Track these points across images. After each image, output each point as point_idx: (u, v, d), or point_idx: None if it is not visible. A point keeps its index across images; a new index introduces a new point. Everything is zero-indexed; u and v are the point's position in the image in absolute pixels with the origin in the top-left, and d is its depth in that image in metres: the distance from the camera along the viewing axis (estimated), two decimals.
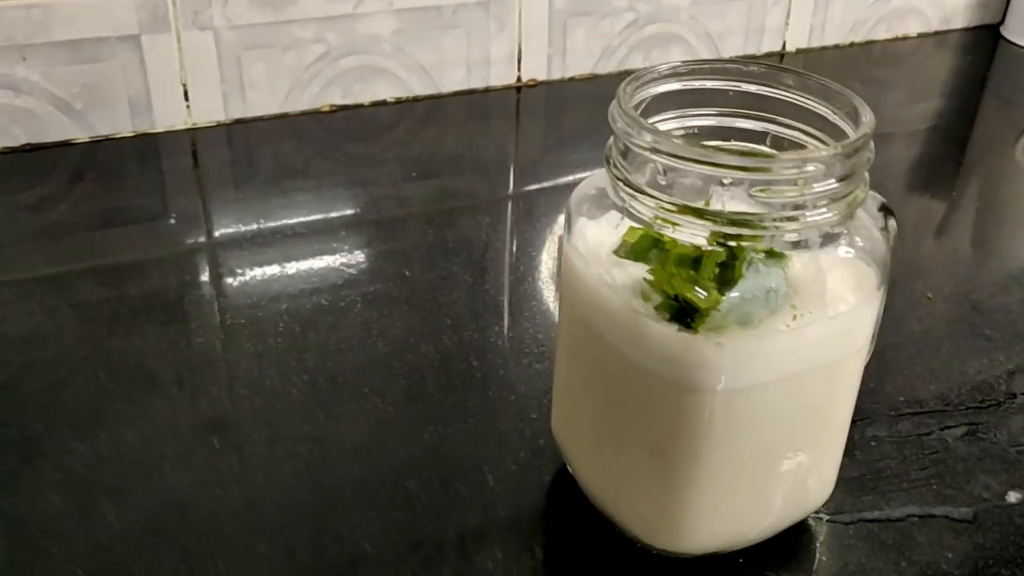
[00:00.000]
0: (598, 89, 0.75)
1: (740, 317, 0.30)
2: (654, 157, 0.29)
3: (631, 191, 0.30)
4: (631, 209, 0.31)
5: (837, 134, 0.33)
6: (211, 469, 0.39)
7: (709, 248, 0.30)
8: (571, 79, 0.76)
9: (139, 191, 0.61)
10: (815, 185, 0.28)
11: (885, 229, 0.34)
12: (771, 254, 0.30)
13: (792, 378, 0.31)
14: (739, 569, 0.35)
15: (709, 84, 0.35)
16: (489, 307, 0.49)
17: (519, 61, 0.74)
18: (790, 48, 0.83)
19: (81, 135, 0.63)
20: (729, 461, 0.32)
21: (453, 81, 0.72)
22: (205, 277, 0.54)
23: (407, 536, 0.36)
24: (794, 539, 0.37)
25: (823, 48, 0.85)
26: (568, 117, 0.74)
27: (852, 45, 0.86)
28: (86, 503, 0.38)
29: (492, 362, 0.45)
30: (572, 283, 0.34)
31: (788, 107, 0.34)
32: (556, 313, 0.48)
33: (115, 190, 0.61)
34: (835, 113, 0.33)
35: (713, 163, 0.28)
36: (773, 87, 0.34)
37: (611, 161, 0.32)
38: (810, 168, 0.28)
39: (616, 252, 0.33)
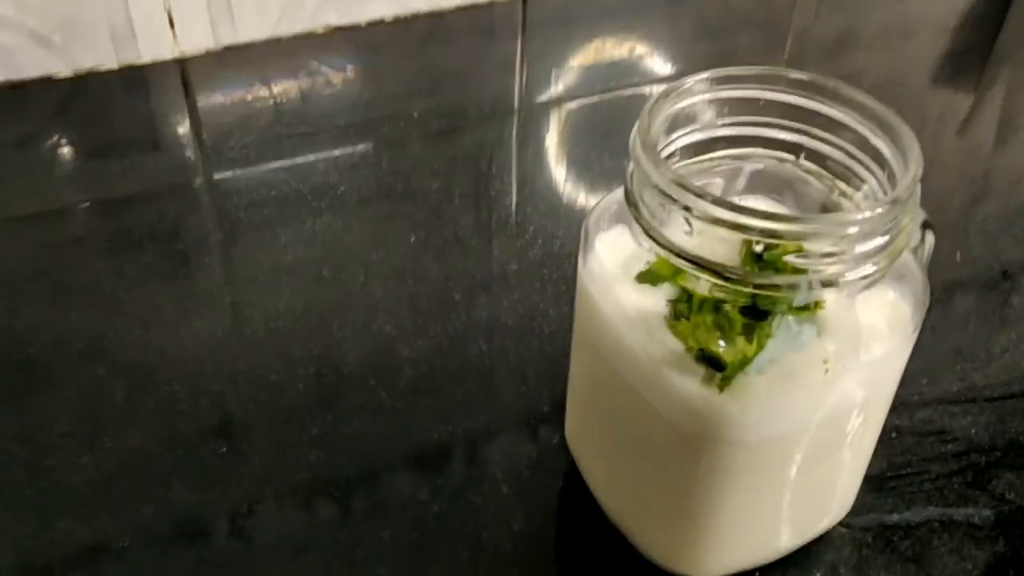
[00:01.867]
0: None
1: (768, 375, 0.28)
2: (683, 214, 0.27)
3: (654, 242, 0.28)
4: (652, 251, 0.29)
5: (876, 155, 0.30)
6: (216, 394, 0.41)
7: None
8: None
9: (128, 125, 0.58)
10: (857, 247, 0.26)
11: (921, 244, 0.32)
12: (805, 308, 0.28)
13: (822, 423, 0.30)
14: None
15: (738, 93, 0.32)
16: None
17: None
18: None
19: (63, 69, 0.60)
20: (752, 501, 0.31)
21: None
22: (202, 209, 0.52)
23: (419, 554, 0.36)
24: (811, 549, 0.36)
25: None
26: (577, 29, 0.70)
27: None
28: (94, 428, 0.39)
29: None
30: (588, 314, 0.32)
31: (824, 120, 0.31)
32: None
33: (103, 125, 0.58)
34: (875, 134, 0.30)
35: (746, 227, 0.26)
36: (806, 96, 0.31)
37: (631, 194, 0.29)
38: (852, 231, 0.26)
39: (638, 278, 0.31)
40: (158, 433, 0.39)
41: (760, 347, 0.28)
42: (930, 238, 0.32)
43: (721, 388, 0.28)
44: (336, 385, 0.42)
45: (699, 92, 0.31)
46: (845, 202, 0.32)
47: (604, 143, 0.58)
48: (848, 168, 0.32)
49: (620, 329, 0.30)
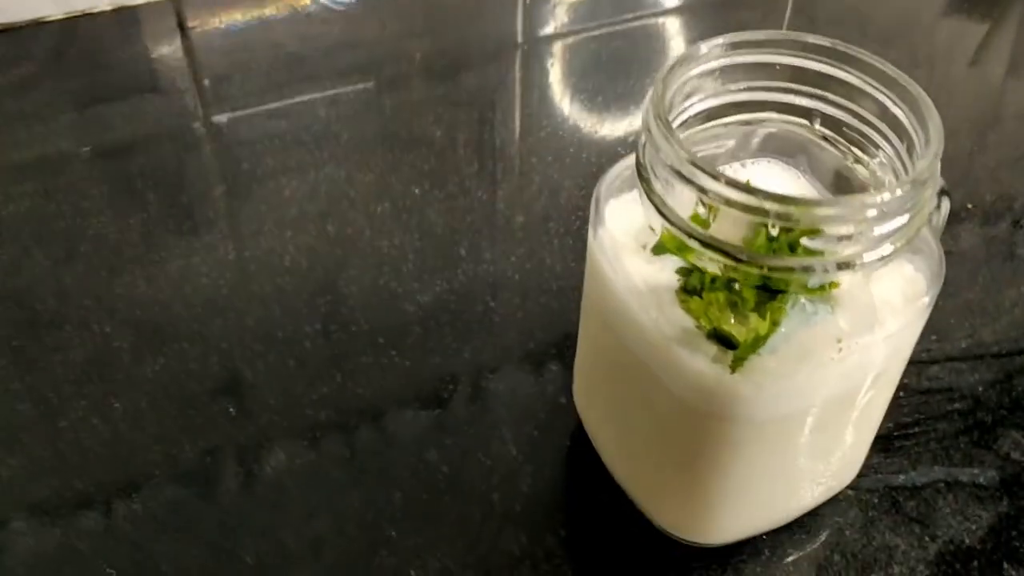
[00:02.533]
0: None
1: (780, 354, 0.28)
2: (696, 194, 0.26)
3: (665, 219, 0.28)
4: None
5: (895, 124, 0.29)
6: (221, 337, 0.41)
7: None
8: None
9: (125, 67, 0.57)
10: (875, 228, 0.26)
11: (937, 211, 0.31)
12: (820, 288, 0.27)
13: (834, 398, 0.30)
14: (760, 547, 0.35)
15: (754, 58, 0.31)
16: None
17: None
18: None
19: (54, 11, 0.58)
20: (761, 472, 0.31)
21: None
22: (203, 150, 0.52)
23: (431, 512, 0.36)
24: (818, 512, 0.36)
25: None
26: None
27: None
28: (101, 379, 0.40)
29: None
30: (598, 285, 0.32)
31: (841, 86, 0.31)
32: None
33: (99, 67, 0.57)
34: (894, 103, 0.29)
35: (761, 210, 0.25)
36: (824, 62, 0.30)
37: (643, 167, 0.29)
38: (871, 214, 0.25)
39: (654, 250, 0.30)
40: (166, 381, 0.40)
41: (773, 327, 0.27)
42: (946, 205, 0.31)
43: (733, 369, 0.28)
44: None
45: (714, 58, 0.30)
46: (860, 168, 0.32)
47: (612, 78, 0.56)
48: (864, 135, 0.31)
49: (630, 303, 0.30)
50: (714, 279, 0.28)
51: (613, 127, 0.54)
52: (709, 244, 0.27)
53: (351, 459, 0.38)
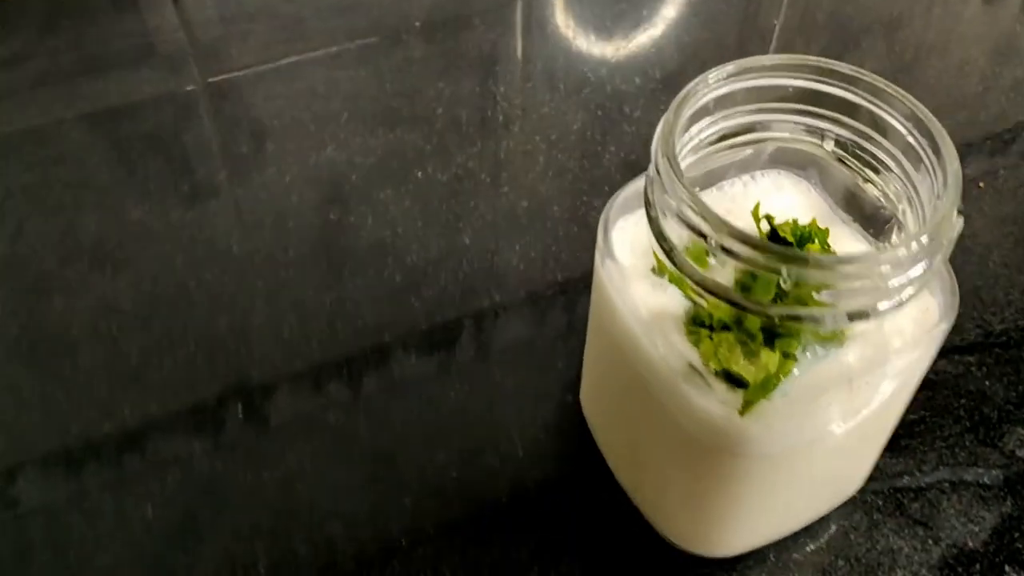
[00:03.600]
0: None
1: (791, 395, 0.27)
2: (708, 245, 0.26)
3: (672, 264, 0.27)
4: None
5: (905, 148, 0.29)
6: (215, 302, 0.42)
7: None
8: None
9: (119, 33, 0.56)
10: (892, 281, 0.25)
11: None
12: (831, 335, 0.27)
13: (846, 428, 0.30)
14: (765, 552, 0.36)
15: (764, 82, 0.30)
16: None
17: None
18: None
19: None
20: (771, 496, 0.32)
21: None
22: (200, 115, 0.51)
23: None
24: (824, 515, 0.37)
25: None
26: None
27: None
28: (105, 324, 0.42)
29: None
30: (605, 310, 0.31)
31: (852, 108, 0.30)
32: None
33: (93, 35, 0.56)
34: (908, 131, 0.28)
35: (770, 267, 0.25)
36: (836, 86, 0.30)
37: (650, 204, 0.28)
38: (887, 269, 0.25)
39: (655, 271, 0.30)
40: (168, 329, 0.42)
41: (784, 373, 0.27)
42: (959, 224, 0.31)
43: (743, 412, 0.27)
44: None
45: (723, 85, 0.29)
46: (871, 188, 0.31)
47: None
48: (877, 158, 0.30)
49: (638, 335, 0.30)
50: (723, 321, 0.28)
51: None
52: (714, 292, 0.26)
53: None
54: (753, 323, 0.28)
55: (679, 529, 0.34)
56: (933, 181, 0.27)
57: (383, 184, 0.47)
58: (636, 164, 0.48)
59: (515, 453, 0.38)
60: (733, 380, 0.28)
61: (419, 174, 0.48)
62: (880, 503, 0.37)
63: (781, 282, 0.25)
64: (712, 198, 0.33)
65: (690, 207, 0.26)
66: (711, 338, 0.28)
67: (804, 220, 0.32)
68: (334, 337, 0.41)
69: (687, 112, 0.28)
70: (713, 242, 0.25)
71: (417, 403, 0.39)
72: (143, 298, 0.43)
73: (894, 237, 0.31)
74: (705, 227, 0.25)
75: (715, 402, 0.28)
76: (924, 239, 0.25)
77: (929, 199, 0.28)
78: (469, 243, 0.45)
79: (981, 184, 0.48)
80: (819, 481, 0.33)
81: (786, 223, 0.32)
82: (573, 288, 0.43)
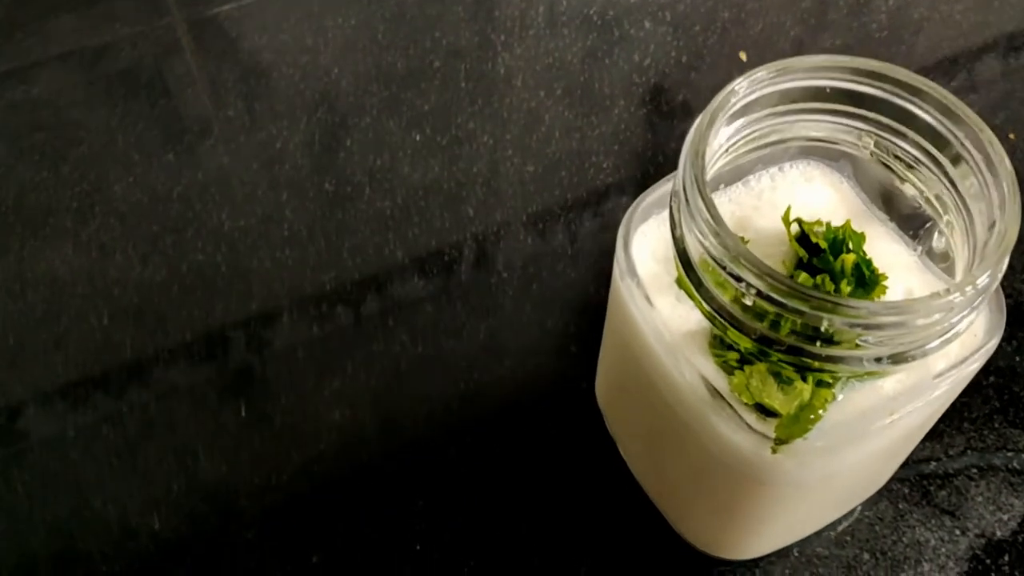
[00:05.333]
0: None
1: (828, 433, 0.26)
2: (742, 290, 0.24)
3: (698, 302, 0.25)
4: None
5: (949, 151, 0.26)
6: (211, 235, 0.42)
7: None
8: None
9: None
10: (937, 327, 0.23)
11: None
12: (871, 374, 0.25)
13: (882, 452, 0.28)
14: (789, 547, 0.35)
15: (801, 83, 0.27)
16: None
17: None
18: None
19: None
20: (799, 512, 0.31)
21: None
22: (180, 51, 0.49)
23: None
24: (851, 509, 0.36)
25: None
26: None
27: None
28: (101, 270, 0.41)
29: None
30: (625, 328, 0.29)
31: (894, 109, 0.27)
32: None
33: None
34: (953, 135, 0.26)
35: (814, 320, 0.23)
36: (879, 88, 0.27)
37: (675, 223, 0.26)
38: (936, 318, 0.23)
39: (679, 282, 0.28)
40: (162, 266, 0.41)
41: (820, 406, 0.25)
42: None
43: (775, 450, 0.26)
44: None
45: (753, 91, 0.27)
46: (908, 188, 0.29)
47: None
48: (920, 161, 0.28)
49: (660, 356, 0.28)
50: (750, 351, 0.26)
51: None
52: (745, 330, 0.24)
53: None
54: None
55: (704, 536, 0.33)
56: (987, 200, 0.25)
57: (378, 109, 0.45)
58: (636, 92, 0.45)
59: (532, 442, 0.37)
60: (765, 410, 0.26)
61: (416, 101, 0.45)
62: (906, 491, 0.36)
63: (823, 326, 0.23)
64: (738, 194, 0.31)
65: (726, 258, 0.23)
66: (742, 368, 0.26)
67: (837, 219, 0.30)
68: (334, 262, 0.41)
69: (715, 132, 0.25)
70: (749, 289, 0.23)
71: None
72: (137, 233, 0.42)
73: (935, 239, 0.29)
74: (740, 271, 0.23)
75: (746, 436, 0.26)
76: (983, 280, 0.23)
77: (979, 217, 0.25)
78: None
79: (1012, 135, 0.45)
80: (850, 490, 0.31)
81: (817, 221, 0.29)
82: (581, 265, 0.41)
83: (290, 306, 0.40)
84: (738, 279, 0.23)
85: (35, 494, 0.36)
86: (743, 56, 0.46)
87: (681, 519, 0.33)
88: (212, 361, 0.39)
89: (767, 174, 0.31)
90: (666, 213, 0.29)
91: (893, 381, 0.26)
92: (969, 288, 0.23)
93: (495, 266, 0.41)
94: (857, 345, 0.23)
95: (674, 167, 0.26)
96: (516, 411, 0.38)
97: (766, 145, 0.29)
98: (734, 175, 0.31)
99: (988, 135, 0.25)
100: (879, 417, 0.26)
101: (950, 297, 0.22)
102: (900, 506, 0.36)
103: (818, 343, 0.24)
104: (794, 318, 0.23)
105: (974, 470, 0.37)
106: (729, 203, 0.30)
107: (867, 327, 0.22)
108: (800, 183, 0.31)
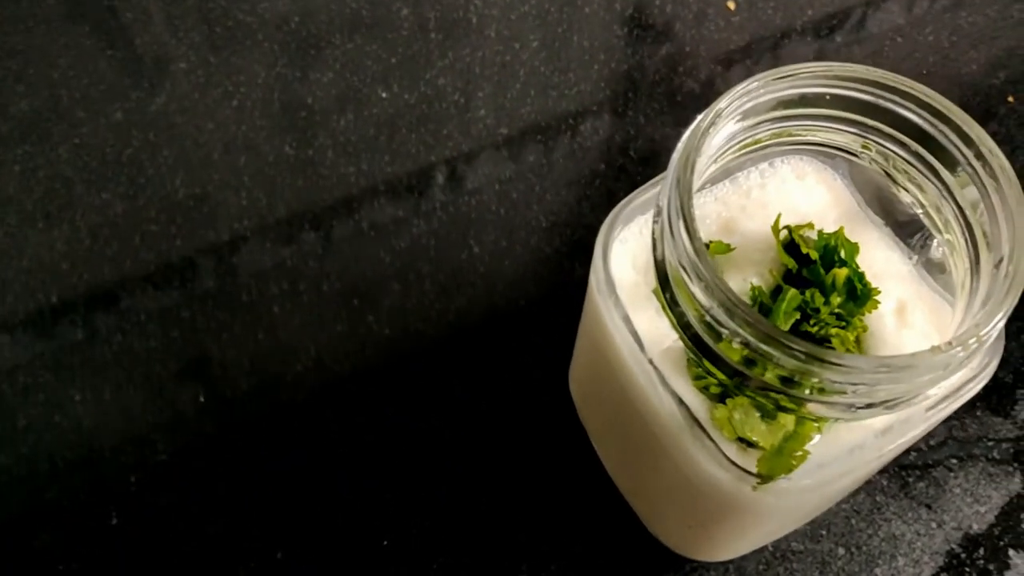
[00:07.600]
0: None
1: (810, 474, 0.25)
2: (725, 333, 0.22)
3: (680, 332, 0.23)
4: None
5: (950, 162, 0.24)
6: (177, 162, 0.40)
7: None
8: None
9: None
10: (932, 389, 0.22)
11: None
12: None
13: (868, 473, 0.27)
14: (764, 546, 0.34)
15: (801, 90, 0.25)
16: None
17: None
18: None
19: None
20: (781, 522, 0.30)
21: None
22: None
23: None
24: None
25: None
26: None
27: None
28: (67, 198, 0.39)
29: None
30: (601, 341, 0.28)
31: (895, 118, 0.25)
32: None
33: None
34: (954, 147, 0.24)
35: (805, 372, 0.21)
36: (881, 97, 0.25)
37: (661, 271, 0.24)
38: (930, 377, 0.21)
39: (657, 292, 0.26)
40: (128, 194, 0.39)
41: (801, 446, 0.24)
42: None
43: (755, 488, 0.25)
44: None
45: (748, 100, 0.24)
46: (903, 194, 0.27)
47: None
48: (915, 167, 0.26)
49: (636, 374, 0.26)
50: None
51: None
52: (720, 364, 0.23)
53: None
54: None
55: (674, 539, 0.32)
56: (995, 226, 0.23)
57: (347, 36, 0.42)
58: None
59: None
60: (751, 444, 0.25)
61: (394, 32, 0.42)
62: (884, 483, 0.35)
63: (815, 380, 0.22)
64: (725, 192, 0.29)
65: (717, 310, 0.21)
66: (722, 396, 0.25)
67: (829, 220, 0.28)
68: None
69: (703, 158, 0.23)
70: (735, 336, 0.21)
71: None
72: (105, 166, 0.40)
73: (933, 249, 0.27)
74: (730, 323, 0.21)
75: (726, 472, 0.25)
76: (988, 332, 0.21)
77: (979, 229, 0.23)
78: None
79: (1011, 98, 0.43)
80: (834, 499, 0.30)
81: (808, 224, 0.28)
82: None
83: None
84: (723, 326, 0.22)
85: None
86: (731, 5, 0.43)
87: (654, 521, 0.32)
88: (176, 286, 0.38)
89: (756, 170, 0.29)
90: (647, 217, 0.28)
91: (885, 420, 0.25)
92: (973, 341, 0.21)
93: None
94: (847, 394, 0.22)
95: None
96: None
97: (759, 149, 0.27)
98: (722, 173, 0.28)
99: (989, 144, 0.23)
100: (868, 452, 0.25)
101: (952, 351, 0.21)
102: (878, 498, 0.35)
103: (807, 391, 0.22)
104: (781, 371, 0.21)
105: (953, 460, 0.36)
106: (715, 202, 0.28)
107: (860, 384, 0.21)
108: (791, 180, 0.29)
